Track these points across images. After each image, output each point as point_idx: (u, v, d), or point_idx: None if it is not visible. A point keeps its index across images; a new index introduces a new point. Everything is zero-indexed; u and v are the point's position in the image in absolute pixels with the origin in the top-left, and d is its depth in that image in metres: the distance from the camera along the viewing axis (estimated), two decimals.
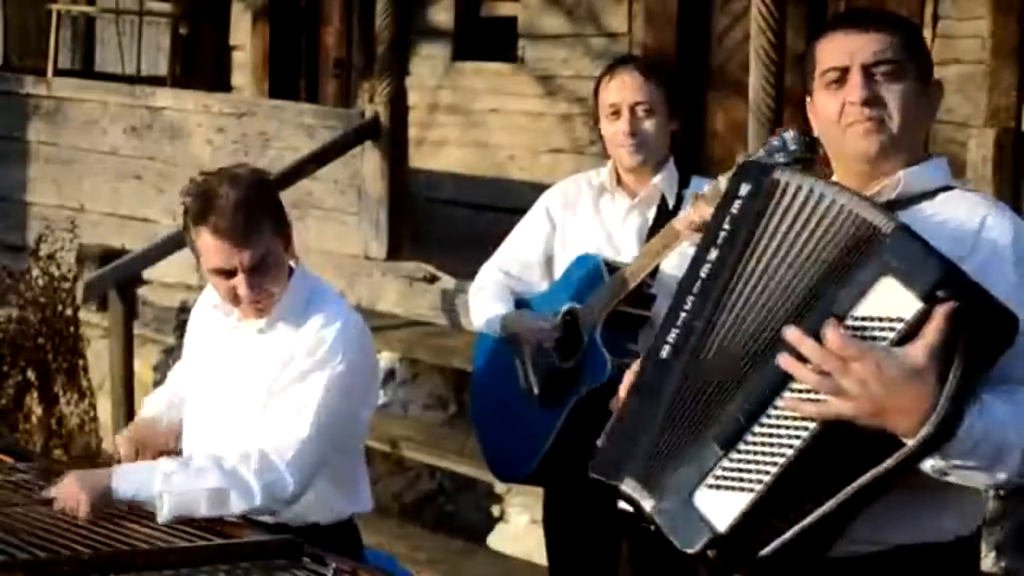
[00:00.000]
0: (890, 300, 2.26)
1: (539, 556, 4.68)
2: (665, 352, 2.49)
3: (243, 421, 3.41)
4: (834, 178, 2.62)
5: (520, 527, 5.83)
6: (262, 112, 8.07)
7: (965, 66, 6.66)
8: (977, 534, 2.61)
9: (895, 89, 2.52)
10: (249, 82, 10.04)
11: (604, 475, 2.52)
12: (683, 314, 2.48)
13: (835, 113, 2.55)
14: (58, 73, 9.88)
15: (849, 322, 2.28)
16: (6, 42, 11.50)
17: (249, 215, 3.28)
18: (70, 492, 3.15)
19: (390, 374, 6.75)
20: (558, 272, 4.11)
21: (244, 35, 10.13)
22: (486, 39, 8.92)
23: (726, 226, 2.48)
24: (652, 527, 2.46)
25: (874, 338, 2.26)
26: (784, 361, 2.30)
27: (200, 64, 10.40)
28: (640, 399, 2.52)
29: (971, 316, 2.23)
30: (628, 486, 2.47)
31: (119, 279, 7.00)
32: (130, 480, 3.19)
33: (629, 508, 2.52)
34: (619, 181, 4.06)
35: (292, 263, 3.47)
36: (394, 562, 3.72)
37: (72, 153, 8.82)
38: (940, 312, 2.22)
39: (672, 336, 2.49)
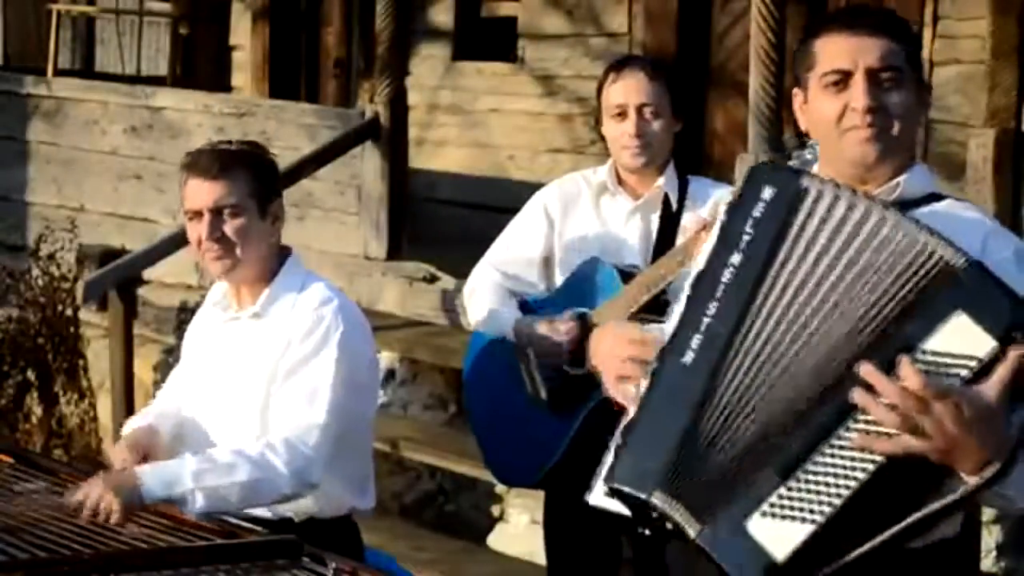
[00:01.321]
0: (963, 337, 2.24)
1: (539, 556, 4.67)
2: (689, 358, 2.42)
3: (245, 407, 3.42)
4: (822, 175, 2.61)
5: (520, 527, 5.82)
6: (262, 112, 8.07)
7: (965, 66, 6.65)
8: (966, 536, 2.62)
9: (898, 97, 2.52)
10: (249, 82, 10.04)
11: (625, 485, 2.44)
12: (706, 319, 2.41)
13: (834, 115, 2.54)
14: (58, 73, 9.88)
15: (919, 356, 2.25)
16: (6, 42, 11.50)
17: (227, 161, 3.42)
18: (99, 496, 3.10)
19: (390, 374, 6.75)
20: (557, 271, 4.07)
21: (244, 35, 10.13)
22: (486, 39, 8.92)
23: (748, 229, 2.42)
24: (648, 531, 2.44)
25: (946, 375, 2.25)
26: (860, 397, 2.25)
27: (200, 64, 10.40)
28: (661, 406, 2.44)
29: None
30: (658, 499, 2.40)
31: (119, 279, 7.00)
32: (160, 480, 3.17)
33: (609, 504, 2.49)
34: (620, 181, 4.04)
35: (287, 248, 3.53)
36: (394, 562, 3.72)
37: (72, 153, 8.82)
38: (1015, 353, 2.22)
39: (696, 342, 2.42)
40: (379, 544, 4.22)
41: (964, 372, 2.24)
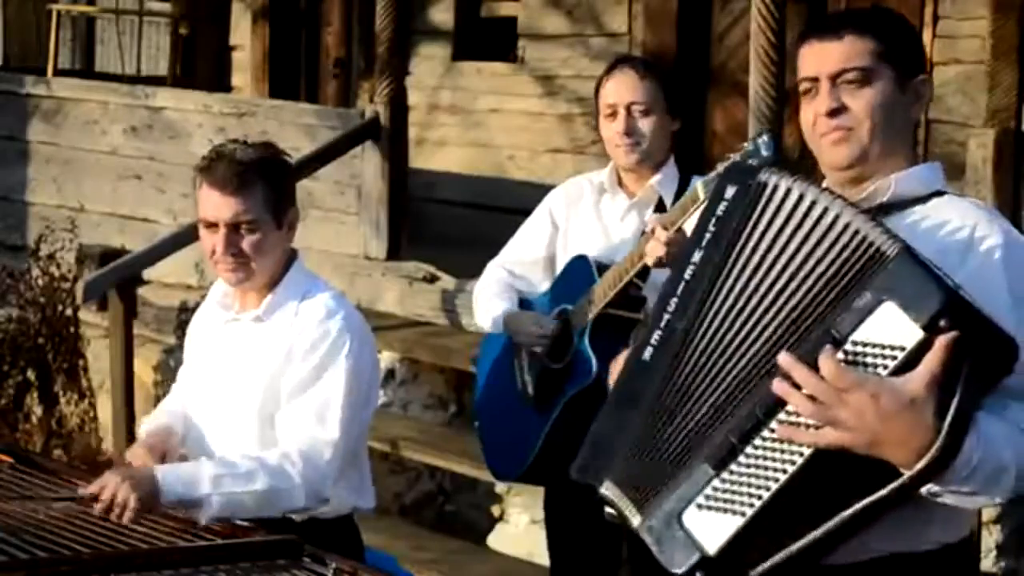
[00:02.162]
0: (890, 326, 2.20)
1: (539, 556, 4.68)
2: (647, 354, 2.46)
3: (242, 412, 3.43)
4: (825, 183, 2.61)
5: (520, 527, 5.83)
6: (262, 112, 8.07)
7: (965, 66, 6.66)
8: (966, 541, 2.59)
9: (862, 96, 2.51)
10: (249, 82, 10.04)
11: (582, 476, 2.51)
12: (666, 315, 2.45)
13: (809, 123, 2.57)
14: (58, 73, 9.88)
15: (848, 347, 2.23)
16: (6, 42, 11.51)
17: (245, 172, 3.35)
18: (116, 491, 3.09)
19: (390, 374, 6.75)
20: (559, 271, 4.12)
21: (244, 35, 10.13)
22: (486, 39, 8.93)
23: (711, 228, 2.45)
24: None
25: (873, 365, 2.22)
26: (778, 387, 2.25)
27: (200, 64, 10.40)
28: (620, 401, 2.51)
29: (973, 345, 2.18)
30: (608, 490, 2.47)
31: (119, 279, 6.99)
32: (179, 480, 3.16)
33: (612, 512, 2.52)
34: (619, 181, 4.07)
35: (293, 251, 3.51)
36: (394, 562, 3.73)
37: (72, 153, 8.82)
38: (941, 342, 2.16)
39: (655, 338, 2.46)
40: (379, 544, 4.22)
41: (890, 363, 2.20)
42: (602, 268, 3.91)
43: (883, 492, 2.23)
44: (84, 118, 8.76)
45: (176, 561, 2.85)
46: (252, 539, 3.05)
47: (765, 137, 3.43)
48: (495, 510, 6.01)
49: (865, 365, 2.22)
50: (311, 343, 3.37)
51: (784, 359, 2.26)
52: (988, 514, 4.82)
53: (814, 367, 2.23)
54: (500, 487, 5.84)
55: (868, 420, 2.19)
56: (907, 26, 2.64)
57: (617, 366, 2.66)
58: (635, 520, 2.42)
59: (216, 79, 10.18)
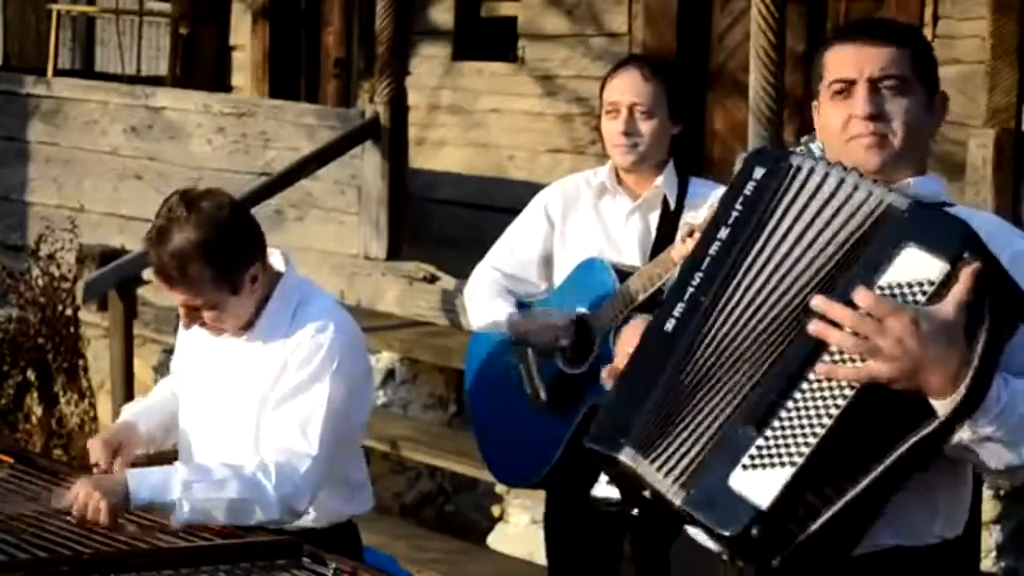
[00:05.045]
0: (916, 266, 2.28)
1: (539, 556, 4.68)
2: (670, 325, 2.45)
3: (236, 428, 3.42)
4: None
5: (520, 527, 5.82)
6: (262, 112, 8.07)
7: (965, 66, 6.65)
8: (967, 536, 2.61)
9: (900, 104, 2.54)
10: (249, 82, 10.04)
11: (598, 444, 2.46)
12: (690, 289, 2.45)
13: (840, 124, 2.57)
14: (58, 73, 9.88)
15: (876, 291, 2.29)
16: (6, 42, 11.51)
17: (181, 265, 3.30)
18: (87, 498, 3.10)
19: (390, 374, 6.75)
20: (557, 272, 4.06)
21: (244, 35, 10.13)
22: (486, 39, 8.92)
23: (738, 207, 2.46)
24: (636, 511, 2.44)
25: (906, 301, 2.27)
26: (815, 327, 2.29)
27: (200, 64, 10.39)
28: (639, 371, 2.48)
29: (994, 279, 2.27)
30: (627, 456, 2.41)
31: (119, 279, 7.00)
32: (147, 485, 3.16)
33: (610, 493, 2.50)
34: (620, 182, 4.04)
35: (282, 267, 3.47)
36: (394, 562, 3.73)
37: (72, 153, 8.82)
38: (967, 271, 2.24)
39: (678, 310, 2.45)
40: (379, 544, 4.22)
41: (920, 296, 2.27)
42: (620, 271, 3.85)
43: (925, 430, 2.27)
44: (84, 118, 8.77)
45: (176, 561, 2.86)
46: (252, 539, 3.05)
47: (817, 143, 3.40)
48: (495, 510, 6.01)
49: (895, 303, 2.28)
50: (303, 357, 3.35)
51: (819, 301, 2.30)
52: (988, 514, 4.82)
53: (852, 307, 2.28)
54: (500, 487, 5.83)
55: (909, 346, 2.24)
56: (930, 46, 2.70)
57: (625, 338, 2.64)
58: (678, 498, 2.36)
59: (216, 79, 10.17)
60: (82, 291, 7.15)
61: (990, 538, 4.88)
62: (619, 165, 3.99)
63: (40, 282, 8.28)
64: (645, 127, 3.92)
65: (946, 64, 6.73)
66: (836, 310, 2.28)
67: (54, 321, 8.15)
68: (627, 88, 3.93)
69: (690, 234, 3.50)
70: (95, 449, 3.49)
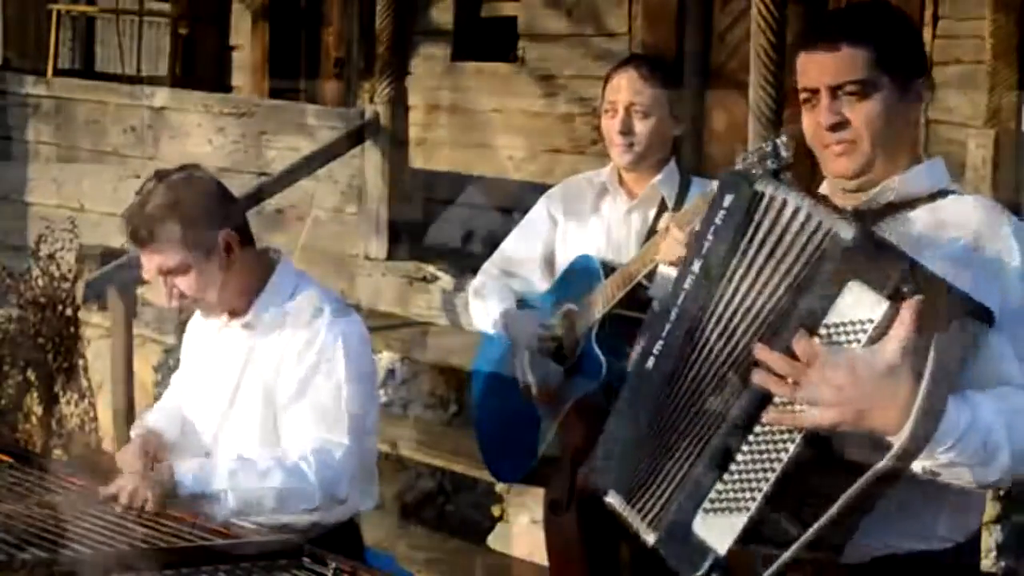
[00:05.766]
0: (857, 304, 2.27)
1: (539, 556, 4.68)
2: (650, 363, 2.51)
3: (244, 420, 3.42)
4: (824, 185, 2.63)
5: (520, 527, 5.82)
6: (262, 112, 8.07)
7: (965, 66, 6.65)
8: (974, 539, 2.61)
9: (861, 109, 2.51)
10: (249, 82, 10.04)
11: (590, 481, 2.57)
12: (668, 325, 2.50)
13: (811, 132, 2.57)
14: (58, 73, 9.88)
15: (821, 331, 2.28)
16: (6, 42, 11.50)
17: (153, 226, 3.34)
18: (134, 488, 3.15)
19: (390, 374, 6.75)
20: (559, 271, 4.10)
21: (244, 35, 10.13)
22: (486, 39, 8.92)
23: (709, 237, 2.49)
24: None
25: (847, 342, 2.26)
26: (758, 377, 2.31)
27: (200, 64, 10.40)
28: (625, 410, 2.55)
29: (939, 308, 2.23)
30: (613, 499, 2.53)
31: (119, 279, 7.00)
32: (192, 475, 3.20)
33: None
34: (621, 181, 4.05)
35: (276, 256, 3.50)
36: (394, 562, 3.73)
37: (72, 153, 8.82)
38: (906, 307, 2.22)
39: (657, 347, 2.51)
40: (379, 544, 4.22)
41: (863, 336, 2.26)
42: (608, 268, 3.89)
43: (879, 465, 2.26)
44: (84, 118, 8.77)
45: (176, 561, 2.86)
46: (252, 539, 3.05)
47: (784, 138, 3.41)
48: (495, 510, 6.01)
49: (840, 343, 2.27)
50: (303, 343, 3.36)
51: (759, 350, 2.31)
52: (988, 514, 4.82)
53: (793, 354, 2.28)
54: (500, 487, 5.84)
55: (848, 392, 2.23)
56: (905, 24, 2.63)
57: None
58: (650, 537, 2.47)
59: (216, 79, 10.18)
60: (82, 291, 7.15)
61: (990, 538, 4.87)
62: (618, 164, 4.01)
63: (40, 282, 8.28)
64: (642, 127, 3.92)
65: (946, 64, 6.76)
66: (774, 360, 2.29)
67: (54, 321, 8.14)
68: (625, 87, 3.94)
69: (667, 230, 3.52)
70: (128, 459, 3.41)
